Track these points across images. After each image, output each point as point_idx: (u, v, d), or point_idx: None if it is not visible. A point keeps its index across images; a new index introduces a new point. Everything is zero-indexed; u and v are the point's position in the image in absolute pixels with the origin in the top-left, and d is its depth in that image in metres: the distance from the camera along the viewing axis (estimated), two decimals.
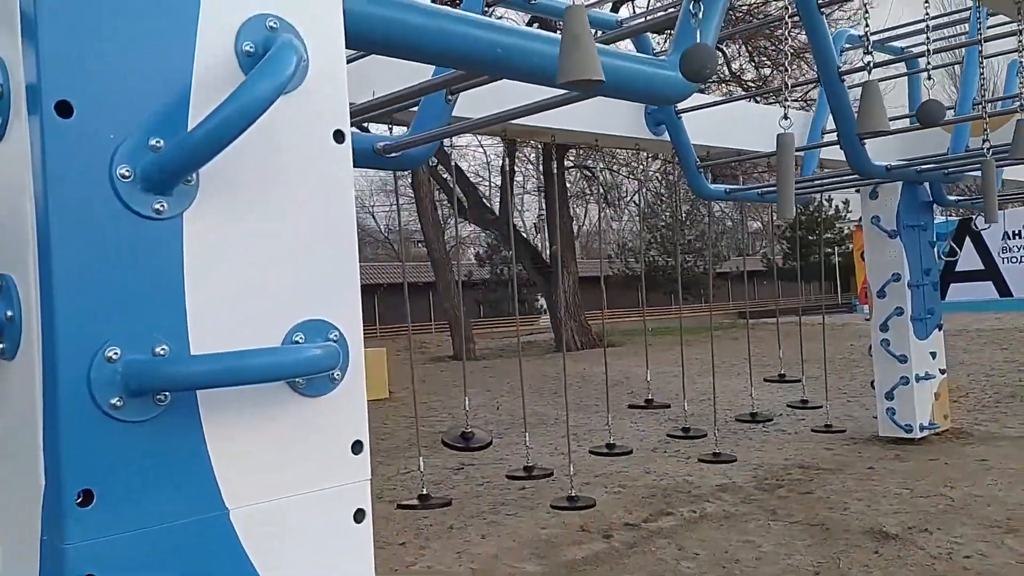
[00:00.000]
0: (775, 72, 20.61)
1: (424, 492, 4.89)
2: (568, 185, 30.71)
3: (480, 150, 35.03)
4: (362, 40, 1.71)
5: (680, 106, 5.75)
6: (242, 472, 1.15)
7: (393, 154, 2.87)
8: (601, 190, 28.09)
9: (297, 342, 1.21)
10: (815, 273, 57.93)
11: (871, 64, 4.59)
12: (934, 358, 8.42)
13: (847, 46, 7.22)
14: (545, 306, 30.53)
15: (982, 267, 35.60)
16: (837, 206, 44.16)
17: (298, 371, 1.15)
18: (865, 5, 3.07)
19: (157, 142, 1.15)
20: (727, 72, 23.23)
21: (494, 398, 13.42)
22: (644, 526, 5.69)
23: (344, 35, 1.37)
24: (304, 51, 1.26)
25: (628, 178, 29.86)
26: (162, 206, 1.15)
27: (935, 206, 9.16)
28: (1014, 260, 35.27)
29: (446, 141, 5.62)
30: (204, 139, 1.10)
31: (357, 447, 1.34)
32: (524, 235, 27.32)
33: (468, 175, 31.24)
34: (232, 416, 1.14)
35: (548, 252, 24.48)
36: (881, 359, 8.37)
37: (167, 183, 1.13)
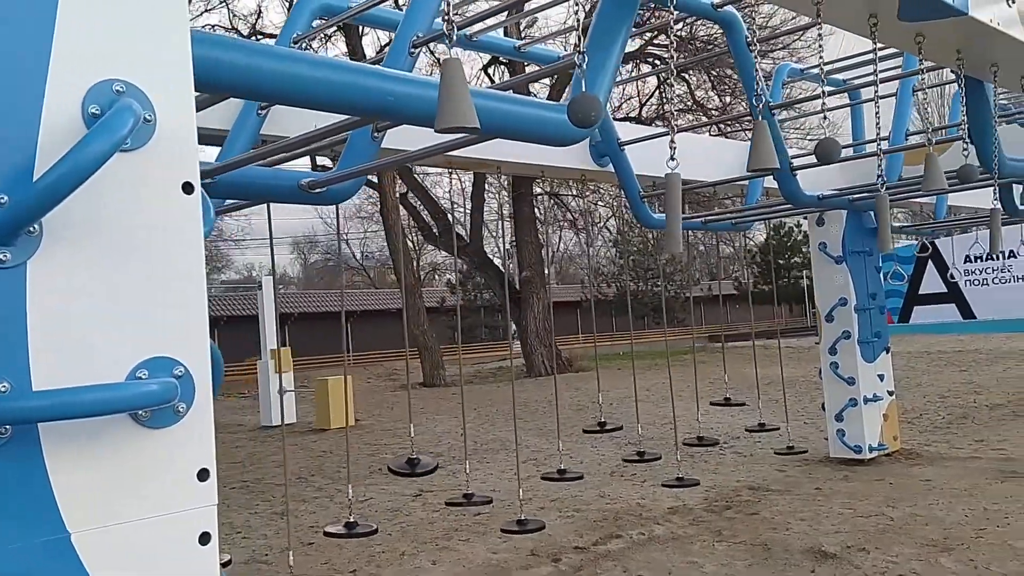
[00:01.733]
0: (734, 100, 21.05)
1: (351, 520, 4.95)
2: (540, 213, 30.98)
3: (454, 177, 35.18)
4: (211, 85, 1.81)
5: (623, 138, 5.94)
6: (85, 498, 1.24)
7: (318, 190, 2.99)
8: (571, 216, 28.36)
9: (140, 378, 1.32)
10: (786, 296, 58.66)
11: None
12: (882, 380, 8.63)
13: (788, 79, 7.47)
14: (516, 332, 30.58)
15: (945, 290, 36.18)
16: (805, 232, 44.88)
17: (134, 405, 1.26)
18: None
19: (2, 199, 1.27)
20: (691, 101, 23.68)
21: (460, 424, 13.45)
22: (593, 549, 5.78)
23: (193, 90, 1.50)
24: (143, 112, 1.38)
25: (596, 204, 30.12)
26: (5, 256, 1.27)
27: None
28: (976, 283, 35.94)
29: (417, 168, 5.77)
30: (41, 194, 1.23)
31: (204, 474, 1.45)
32: (494, 261, 27.43)
33: (443, 201, 31.37)
34: (76, 446, 1.24)
35: (519, 278, 24.60)
36: (830, 382, 8.56)
37: (9, 235, 1.26)
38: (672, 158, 2.48)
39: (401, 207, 24.05)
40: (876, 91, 3.58)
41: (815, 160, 3.16)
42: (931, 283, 39.06)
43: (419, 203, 25.32)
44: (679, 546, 5.70)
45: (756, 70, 4.28)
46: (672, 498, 7.14)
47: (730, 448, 9.48)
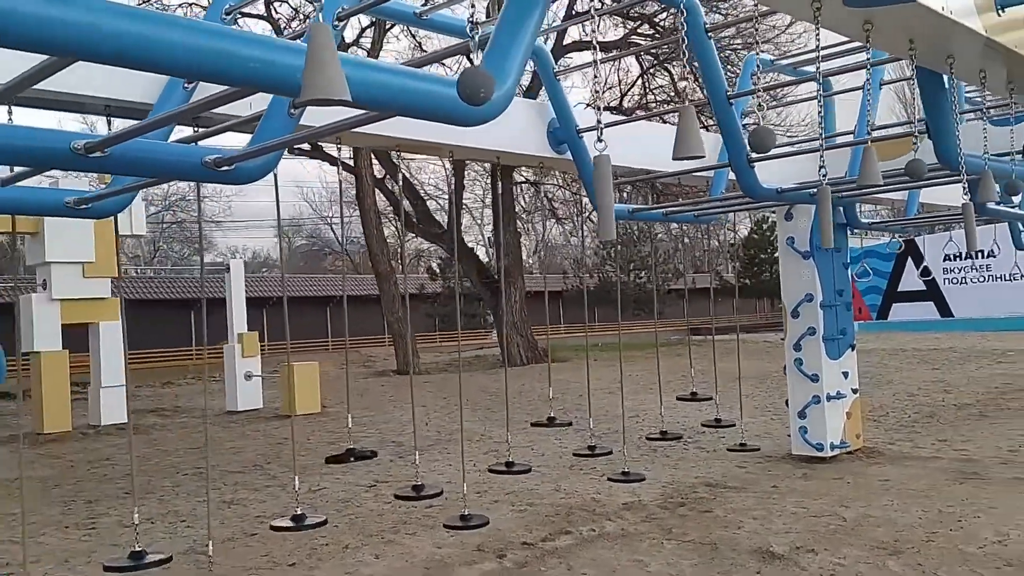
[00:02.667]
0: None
1: (299, 512, 4.80)
2: (523, 202, 30.81)
3: (435, 164, 34.96)
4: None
5: (581, 125, 5.78)
6: None
7: (225, 168, 2.82)
8: (550, 206, 28.20)
9: None
10: (769, 290, 58.71)
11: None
12: (846, 378, 8.54)
13: (757, 71, 7.32)
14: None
15: (923, 288, 36.30)
16: None
17: None
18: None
19: None
20: (673, 91, 23.53)
21: (427, 413, 13.31)
22: (540, 545, 5.66)
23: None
24: None
25: (576, 194, 29.95)
26: None
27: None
28: (955, 282, 36.10)
29: (393, 154, 5.56)
30: None
31: None
32: (473, 250, 27.27)
33: (428, 188, 31.17)
34: None
35: (498, 267, 24.43)
36: (794, 378, 8.47)
37: None
38: (600, 139, 2.34)
39: (379, 192, 23.83)
40: (819, 80, 3.44)
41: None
42: (910, 281, 39.25)
43: (398, 188, 25.07)
44: (627, 543, 5.59)
45: (719, 58, 4.14)
46: (628, 494, 7.03)
47: (694, 443, 9.38)
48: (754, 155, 5.06)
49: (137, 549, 4.23)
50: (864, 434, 9.63)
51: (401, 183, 10.81)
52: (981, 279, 37.83)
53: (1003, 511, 5.86)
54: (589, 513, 6.48)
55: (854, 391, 8.65)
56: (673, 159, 2.65)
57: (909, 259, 40.62)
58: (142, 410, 16.06)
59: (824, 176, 3.26)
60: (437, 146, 5.29)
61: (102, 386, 13.16)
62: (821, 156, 3.35)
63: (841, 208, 8.66)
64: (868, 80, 4.83)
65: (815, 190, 5.75)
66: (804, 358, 8.39)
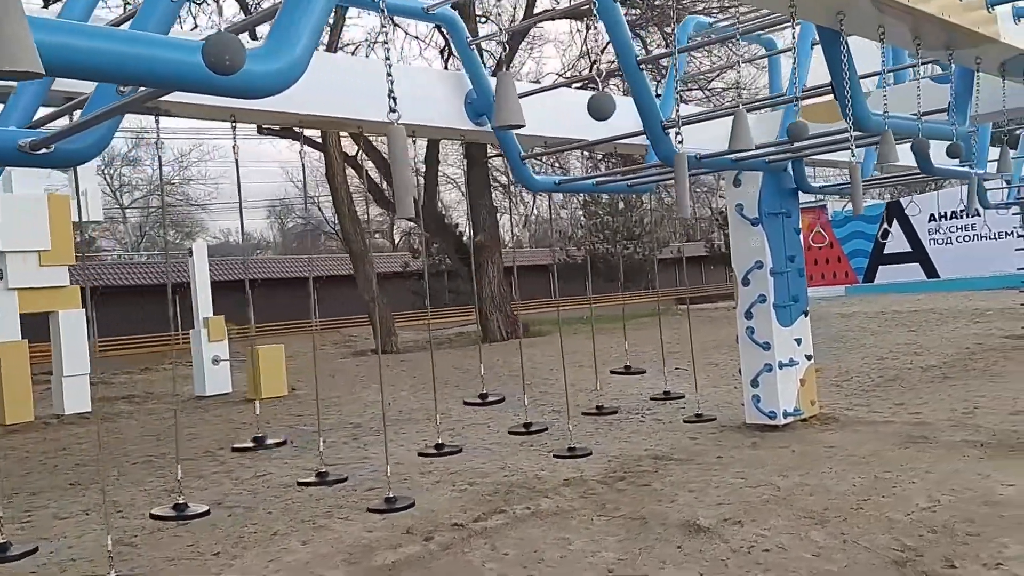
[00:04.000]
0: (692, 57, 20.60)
1: (181, 502, 4.69)
2: (507, 175, 30.53)
3: (410, 140, 34.53)
4: None
5: None
6: None
7: (43, 150, 2.67)
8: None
9: None
10: None
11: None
12: (799, 344, 8.44)
13: (694, 33, 7.16)
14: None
15: (910, 249, 36.33)
16: None
17: None
18: None
19: None
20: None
21: (395, 392, 13.21)
22: (471, 526, 5.57)
23: None
24: None
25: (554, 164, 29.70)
26: None
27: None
28: (941, 242, 36.04)
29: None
30: None
31: None
32: (450, 225, 27.06)
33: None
34: None
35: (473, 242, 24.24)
36: (746, 347, 8.38)
37: None
38: (393, 109, 2.21)
39: (351, 169, 23.57)
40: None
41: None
42: (896, 243, 39.11)
43: (373, 166, 24.85)
44: (558, 521, 5.50)
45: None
46: (572, 469, 6.94)
47: (652, 415, 9.31)
48: (667, 121, 4.90)
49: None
50: (823, 400, 9.58)
51: (362, 159, 10.61)
52: (966, 239, 37.75)
53: (939, 476, 5.78)
54: (528, 491, 6.40)
55: (808, 358, 8.55)
56: (493, 127, 2.49)
57: (896, 221, 40.37)
58: (113, 397, 15.95)
59: (680, 143, 3.11)
60: (340, 121, 5.14)
61: (64, 375, 13.02)
62: (677, 120, 3.19)
63: (791, 171, 8.53)
64: (795, 40, 4.68)
65: (736, 155, 5.62)
66: (755, 326, 8.29)
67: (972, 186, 7.82)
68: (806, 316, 8.62)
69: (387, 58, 2.73)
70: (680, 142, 3.92)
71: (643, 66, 5.05)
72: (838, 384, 10.74)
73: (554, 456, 7.10)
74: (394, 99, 2.26)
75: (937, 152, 5.85)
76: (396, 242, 48.95)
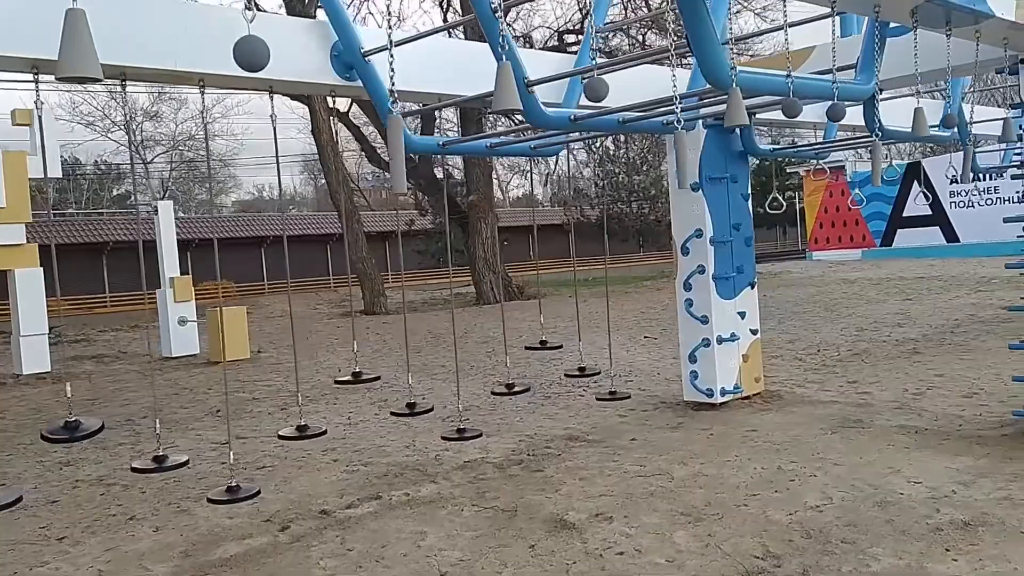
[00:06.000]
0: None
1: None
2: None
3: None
4: None
5: (367, 47, 5.12)
6: None
7: None
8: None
9: None
10: (771, 219, 57.27)
11: None
12: (743, 318, 7.93)
13: None
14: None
15: (929, 212, 35.18)
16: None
17: None
18: None
19: None
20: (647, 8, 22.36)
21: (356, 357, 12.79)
22: (337, 513, 5.20)
23: None
24: None
25: None
26: None
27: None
28: (962, 205, 34.92)
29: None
30: None
31: None
32: (443, 183, 26.50)
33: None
34: None
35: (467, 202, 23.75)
36: (684, 320, 7.89)
37: None
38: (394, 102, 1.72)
39: (343, 125, 23.10)
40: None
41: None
42: (915, 205, 37.69)
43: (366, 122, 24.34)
44: (427, 511, 5.11)
45: None
46: (479, 450, 6.55)
47: (595, 390, 8.86)
48: (532, 79, 4.39)
49: None
50: (779, 375, 9.11)
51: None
52: (989, 202, 36.34)
53: (847, 468, 5.30)
54: (420, 474, 6.02)
55: (753, 332, 8.04)
56: (490, 112, 2.04)
57: (915, 184, 38.86)
58: (83, 356, 15.84)
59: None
60: (181, 75, 4.67)
61: (22, 335, 12.85)
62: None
63: (738, 133, 7.95)
64: None
65: (623, 116, 5.09)
66: (694, 298, 7.79)
67: (967, 155, 7.32)
68: (752, 288, 8.09)
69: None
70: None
71: None
72: (801, 358, 10.22)
73: (464, 436, 6.69)
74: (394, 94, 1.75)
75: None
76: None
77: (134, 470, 4.64)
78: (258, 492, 4.93)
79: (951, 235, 34.56)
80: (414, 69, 5.18)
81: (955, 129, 7.02)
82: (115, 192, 54.98)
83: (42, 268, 13.12)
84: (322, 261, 41.87)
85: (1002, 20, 5.08)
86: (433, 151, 5.73)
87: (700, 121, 7.68)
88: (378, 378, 5.87)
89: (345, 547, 4.60)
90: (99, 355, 16.11)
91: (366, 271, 22.10)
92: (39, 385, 12.12)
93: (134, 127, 50.20)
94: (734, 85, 3.54)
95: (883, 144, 10.12)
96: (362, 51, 5.07)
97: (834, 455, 5.63)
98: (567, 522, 4.68)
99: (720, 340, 7.67)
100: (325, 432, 5.37)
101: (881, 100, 6.06)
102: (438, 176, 23.88)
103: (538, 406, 8.25)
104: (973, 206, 34.01)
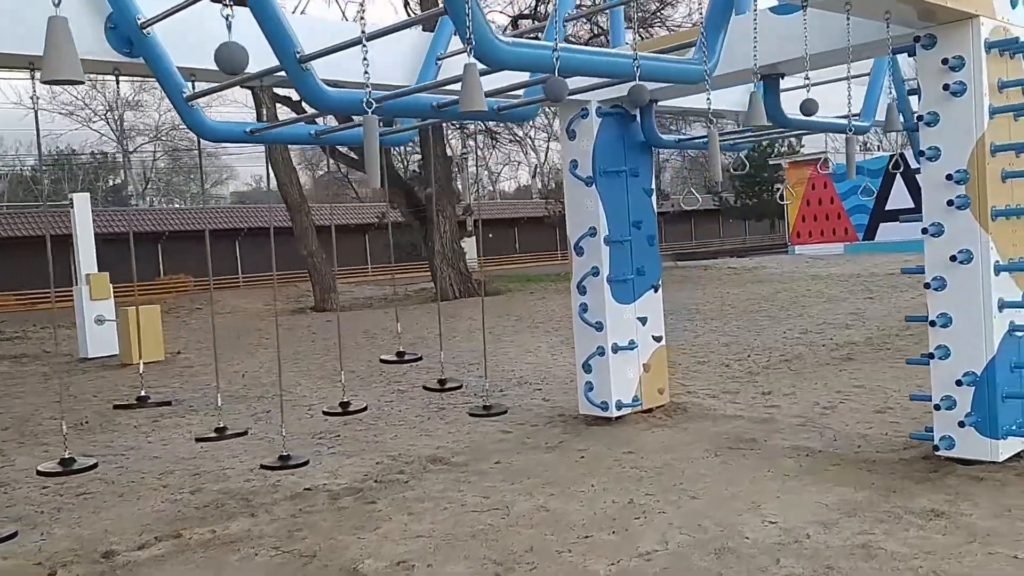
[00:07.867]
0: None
1: None
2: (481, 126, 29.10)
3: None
4: None
5: (144, 18, 4.42)
6: None
7: None
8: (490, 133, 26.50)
9: None
10: (758, 212, 56.52)
11: None
12: (644, 324, 7.25)
13: None
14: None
15: (913, 205, 34.70)
16: (790, 142, 42.70)
17: None
18: None
19: None
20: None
21: (262, 364, 12.11)
22: (119, 557, 4.51)
23: None
24: None
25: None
26: None
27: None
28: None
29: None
30: None
31: None
32: (402, 177, 25.82)
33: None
34: None
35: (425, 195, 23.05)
36: (578, 326, 7.22)
37: None
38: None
39: (293, 114, 22.34)
40: None
41: None
42: (899, 198, 37.13)
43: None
44: (219, 556, 4.43)
45: None
46: (326, 474, 5.88)
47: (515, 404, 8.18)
48: (305, 55, 3.70)
49: None
50: (695, 385, 8.46)
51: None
52: None
53: (705, 503, 4.64)
54: (244, 503, 5.34)
55: (656, 339, 7.37)
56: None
57: (899, 177, 38.18)
58: (6, 356, 15.14)
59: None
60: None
61: None
62: None
63: (638, 123, 7.27)
64: None
65: (438, 100, 4.39)
66: (588, 303, 7.11)
67: (850, 148, 6.58)
68: (656, 291, 7.41)
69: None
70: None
71: None
72: (728, 364, 9.56)
73: (260, 467, 5.96)
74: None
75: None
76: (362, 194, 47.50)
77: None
78: (15, 534, 4.24)
79: None
80: (204, 42, 4.48)
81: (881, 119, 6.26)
82: (111, 183, 54.03)
83: None
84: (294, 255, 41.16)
85: None
86: (238, 139, 5.03)
87: (595, 108, 7.03)
88: (169, 403, 5.15)
89: None
90: (20, 354, 15.41)
91: (316, 266, 21.37)
92: None
93: (114, 116, 49.31)
94: (470, 58, 2.85)
95: (792, 134, 9.41)
96: (139, 21, 4.38)
97: (700, 485, 4.97)
98: (359, 573, 4.01)
99: (616, 348, 7.00)
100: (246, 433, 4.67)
101: (813, 87, 5.27)
102: (396, 168, 23.17)
103: (424, 419, 7.58)
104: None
